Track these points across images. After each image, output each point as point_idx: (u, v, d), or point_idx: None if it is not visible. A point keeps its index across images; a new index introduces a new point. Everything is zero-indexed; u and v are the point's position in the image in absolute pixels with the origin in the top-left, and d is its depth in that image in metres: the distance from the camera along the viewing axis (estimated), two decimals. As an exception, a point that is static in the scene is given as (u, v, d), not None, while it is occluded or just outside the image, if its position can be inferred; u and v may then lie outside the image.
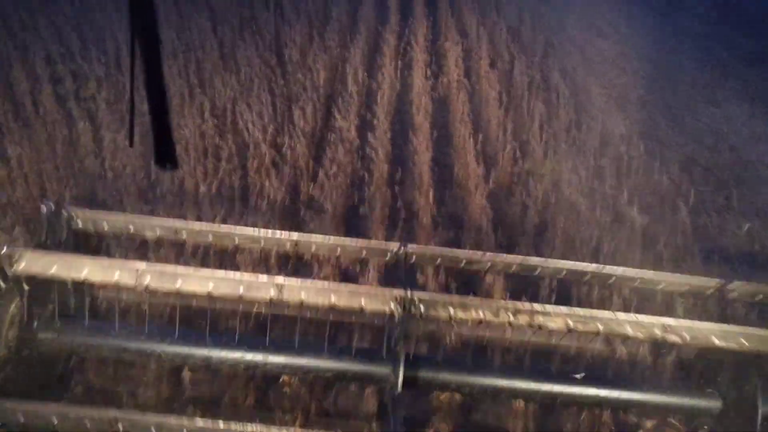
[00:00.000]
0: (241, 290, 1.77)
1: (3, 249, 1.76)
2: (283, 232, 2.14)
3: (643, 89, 6.07)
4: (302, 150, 3.77)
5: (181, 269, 1.82)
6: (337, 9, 6.42)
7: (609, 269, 2.10)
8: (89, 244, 2.17)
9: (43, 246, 1.99)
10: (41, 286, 1.89)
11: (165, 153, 1.42)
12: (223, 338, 1.96)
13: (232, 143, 3.78)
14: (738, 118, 5.82)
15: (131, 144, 1.80)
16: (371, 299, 1.81)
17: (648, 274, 2.10)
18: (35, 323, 1.93)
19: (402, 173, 3.73)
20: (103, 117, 3.89)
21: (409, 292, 1.81)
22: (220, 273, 1.81)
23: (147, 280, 1.77)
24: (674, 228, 3.43)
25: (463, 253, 2.14)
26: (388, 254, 2.13)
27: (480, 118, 4.61)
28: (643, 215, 3.42)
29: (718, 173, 4.76)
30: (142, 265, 1.80)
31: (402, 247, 2.11)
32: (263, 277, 1.81)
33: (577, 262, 2.13)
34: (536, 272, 2.11)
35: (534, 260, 2.12)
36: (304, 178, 3.63)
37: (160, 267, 1.83)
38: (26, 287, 1.84)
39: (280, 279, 1.81)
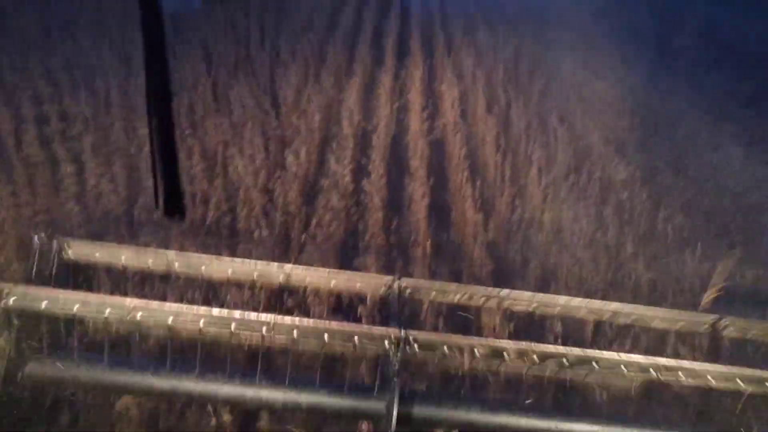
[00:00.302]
0: (233, 328, 1.79)
1: None
2: (276, 263, 2.11)
3: (641, 132, 6.02)
4: (294, 196, 3.65)
5: (172, 306, 1.81)
6: (333, 49, 6.39)
7: (603, 304, 2.08)
8: (81, 275, 2.16)
9: (33, 278, 1.97)
10: (31, 319, 1.87)
11: (174, 203, 1.56)
12: (214, 372, 1.93)
13: (221, 188, 3.66)
14: (737, 161, 5.76)
15: (157, 206, 1.71)
16: (365, 339, 1.80)
17: (642, 309, 2.06)
18: (24, 356, 1.91)
19: (398, 221, 3.59)
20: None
21: (403, 332, 1.80)
22: (213, 311, 1.81)
23: (138, 317, 1.78)
24: (680, 283, 3.30)
25: (458, 288, 2.10)
26: (383, 287, 2.10)
27: (477, 162, 4.51)
28: (648, 269, 3.28)
29: (720, 220, 4.66)
30: (133, 302, 1.79)
31: (397, 281, 2.08)
32: (254, 315, 1.80)
33: (572, 297, 2.10)
34: (530, 308, 2.09)
35: (528, 295, 2.10)
36: (296, 226, 3.49)
37: (151, 304, 1.81)
38: (16, 322, 1.83)
39: (271, 318, 1.80)
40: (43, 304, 1.77)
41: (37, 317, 1.82)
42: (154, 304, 1.81)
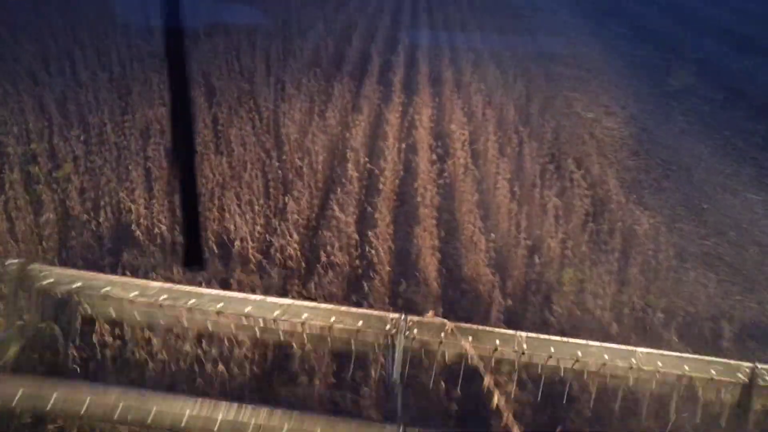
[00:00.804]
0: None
1: None
2: (272, 297, 2.06)
3: (659, 175, 5.78)
4: (295, 248, 3.38)
5: (157, 398, 1.79)
6: (339, 86, 6.20)
7: (628, 351, 1.99)
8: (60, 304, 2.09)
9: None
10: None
11: (193, 255, 1.51)
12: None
13: (214, 239, 3.40)
14: (757, 207, 5.51)
15: (185, 264, 1.75)
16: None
17: (670, 356, 1.97)
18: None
19: (406, 280, 3.32)
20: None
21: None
22: (196, 403, 1.78)
23: (117, 412, 1.74)
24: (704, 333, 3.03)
25: (470, 328, 2.01)
26: (388, 325, 1.98)
27: (490, 210, 4.25)
28: (679, 337, 2.99)
29: (744, 271, 4.39)
30: (114, 393, 1.77)
31: (402, 318, 1.98)
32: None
33: (591, 342, 2.01)
34: (550, 353, 1.98)
35: (544, 338, 2.01)
36: (296, 281, 3.22)
37: (135, 395, 1.79)
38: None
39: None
40: (18, 395, 1.74)
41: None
42: (140, 395, 1.80)
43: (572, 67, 9.18)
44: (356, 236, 3.63)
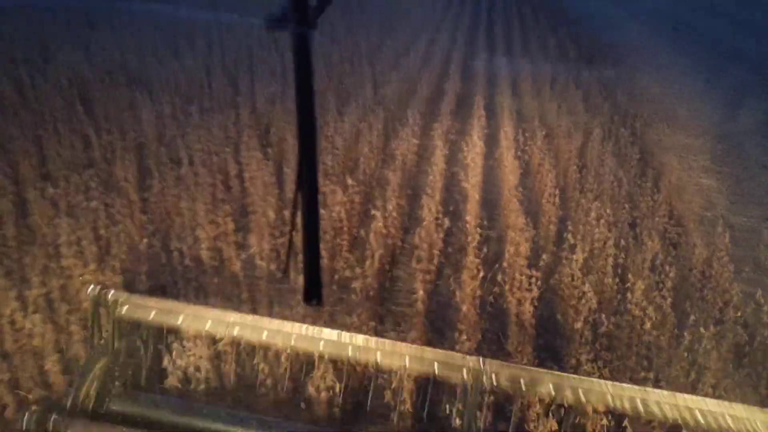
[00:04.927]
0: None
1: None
2: (344, 332, 2.09)
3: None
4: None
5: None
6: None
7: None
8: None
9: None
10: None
11: (313, 291, 1.64)
12: (286, 422, 2.06)
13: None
14: None
15: (306, 300, 1.76)
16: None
17: (741, 408, 1.91)
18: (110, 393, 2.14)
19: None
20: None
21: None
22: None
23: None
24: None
25: (551, 377, 1.97)
26: (465, 370, 1.98)
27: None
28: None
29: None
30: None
31: (482, 364, 1.96)
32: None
33: (673, 392, 1.96)
34: (629, 402, 1.94)
35: (626, 387, 1.97)
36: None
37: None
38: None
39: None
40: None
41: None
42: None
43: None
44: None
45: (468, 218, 4.33)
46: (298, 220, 1.57)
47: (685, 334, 3.16)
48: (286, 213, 4.12)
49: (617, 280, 3.70)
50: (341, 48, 8.96)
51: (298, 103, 1.45)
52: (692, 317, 3.31)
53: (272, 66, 7.78)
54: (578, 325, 3.24)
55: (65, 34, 8.67)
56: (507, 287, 3.66)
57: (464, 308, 3.16)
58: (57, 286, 3.20)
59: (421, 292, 3.32)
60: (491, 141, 6.42)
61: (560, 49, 11.41)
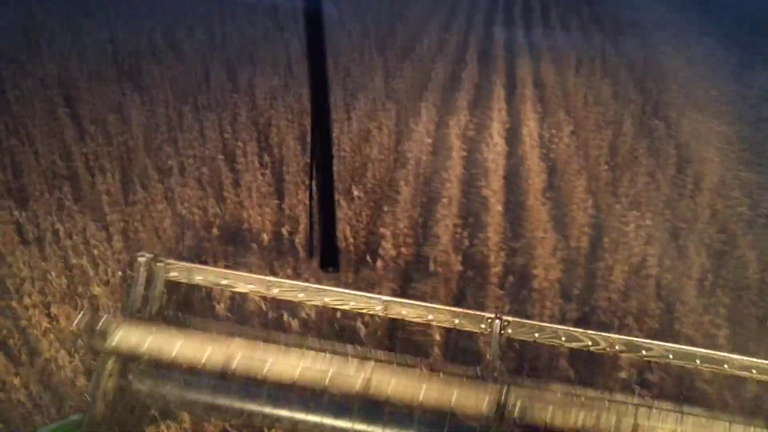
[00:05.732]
0: (328, 378, 1.92)
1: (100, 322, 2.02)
2: (373, 295, 2.15)
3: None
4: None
5: (271, 351, 1.98)
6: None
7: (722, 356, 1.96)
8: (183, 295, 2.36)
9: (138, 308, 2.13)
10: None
11: (330, 258, 1.65)
12: (312, 403, 2.01)
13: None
14: None
15: (321, 266, 1.77)
16: (464, 396, 1.86)
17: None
18: (130, 376, 2.11)
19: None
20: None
21: (504, 390, 1.85)
22: (309, 357, 1.95)
23: (235, 362, 1.96)
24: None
25: (564, 330, 2.06)
26: (482, 324, 2.07)
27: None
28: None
29: None
30: (232, 344, 1.98)
31: (497, 318, 2.05)
32: (352, 364, 1.93)
33: (685, 347, 2.01)
34: (642, 353, 2.02)
35: (639, 341, 2.04)
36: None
37: (250, 347, 1.98)
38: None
39: (369, 368, 1.92)
40: (146, 344, 2.00)
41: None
42: (254, 347, 1.98)
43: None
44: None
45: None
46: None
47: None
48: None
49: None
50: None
51: (309, 70, 1.46)
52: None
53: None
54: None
55: (56, 24, 8.18)
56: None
57: (488, 356, 2.71)
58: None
59: (437, 336, 2.89)
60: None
61: (583, 30, 10.78)
